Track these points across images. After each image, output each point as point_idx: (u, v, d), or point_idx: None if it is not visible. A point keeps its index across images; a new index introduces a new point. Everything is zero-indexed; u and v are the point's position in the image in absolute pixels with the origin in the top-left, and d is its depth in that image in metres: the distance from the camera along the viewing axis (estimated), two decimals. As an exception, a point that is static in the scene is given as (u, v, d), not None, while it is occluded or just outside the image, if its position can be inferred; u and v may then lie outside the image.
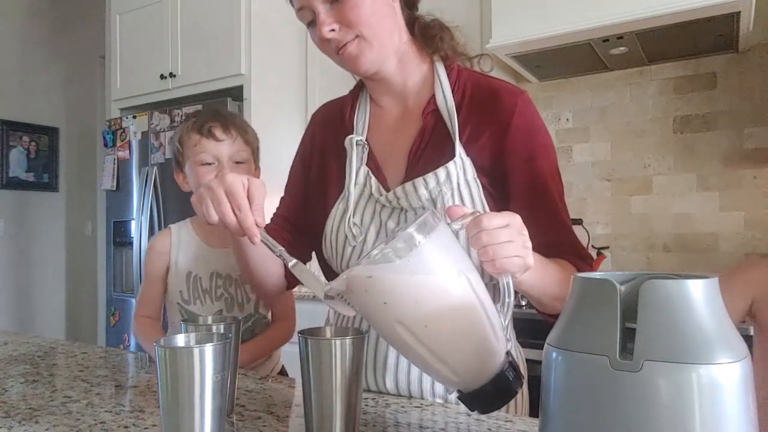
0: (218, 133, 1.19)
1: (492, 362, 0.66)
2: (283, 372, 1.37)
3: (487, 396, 0.67)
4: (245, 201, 0.75)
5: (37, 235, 4.25)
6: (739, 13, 1.80)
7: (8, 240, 4.07)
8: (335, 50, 0.90)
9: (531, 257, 0.69)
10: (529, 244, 0.69)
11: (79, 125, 4.48)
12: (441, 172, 0.89)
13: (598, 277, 0.51)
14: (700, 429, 0.44)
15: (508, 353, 0.69)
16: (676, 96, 2.30)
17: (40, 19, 4.27)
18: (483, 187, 0.91)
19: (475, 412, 0.70)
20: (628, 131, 2.39)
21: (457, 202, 0.89)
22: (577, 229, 2.38)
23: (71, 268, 4.39)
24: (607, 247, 2.33)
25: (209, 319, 0.86)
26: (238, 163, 1.21)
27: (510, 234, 0.66)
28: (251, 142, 1.25)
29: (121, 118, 3.02)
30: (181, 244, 1.27)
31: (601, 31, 1.95)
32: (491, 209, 0.91)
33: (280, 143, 2.76)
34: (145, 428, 0.77)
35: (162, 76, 2.87)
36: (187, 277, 1.24)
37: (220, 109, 1.27)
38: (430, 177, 0.89)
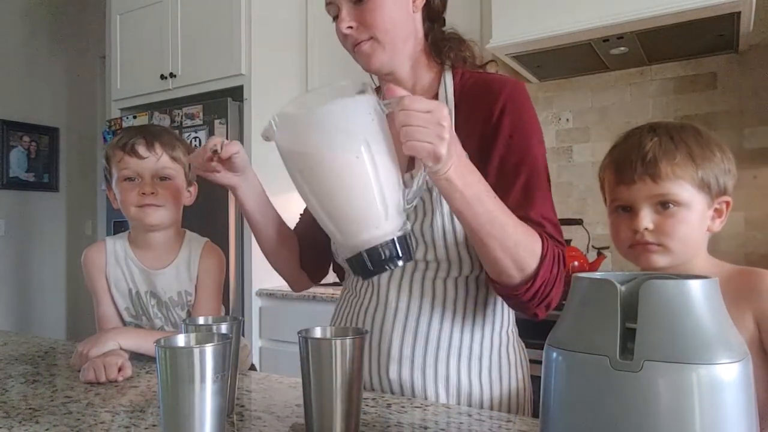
0: (141, 150, 1.17)
1: (372, 234, 0.71)
2: (252, 369, 1.37)
3: (362, 264, 0.73)
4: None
5: (37, 235, 4.25)
6: (739, 13, 1.80)
7: (8, 240, 4.07)
8: (352, 46, 0.96)
9: (444, 148, 0.70)
10: (447, 135, 0.70)
11: (79, 125, 4.48)
12: None
13: (598, 277, 0.51)
14: (700, 429, 0.44)
15: (403, 236, 0.73)
16: (676, 96, 2.30)
17: (41, 20, 4.28)
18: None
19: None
20: (628, 131, 2.39)
21: None
22: (578, 229, 2.38)
23: (71, 268, 4.39)
24: (608, 247, 2.33)
25: (209, 319, 0.86)
26: (163, 178, 1.19)
27: (426, 120, 0.69)
28: (180, 158, 1.22)
29: (121, 118, 3.02)
30: (116, 259, 1.23)
31: (601, 31, 1.95)
32: None
33: (280, 143, 2.76)
34: (145, 428, 0.77)
35: (162, 76, 2.87)
36: (129, 293, 1.22)
37: (148, 126, 1.24)
38: None
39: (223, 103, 2.62)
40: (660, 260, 0.88)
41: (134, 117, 2.93)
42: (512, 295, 0.87)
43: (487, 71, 1.05)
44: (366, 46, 0.94)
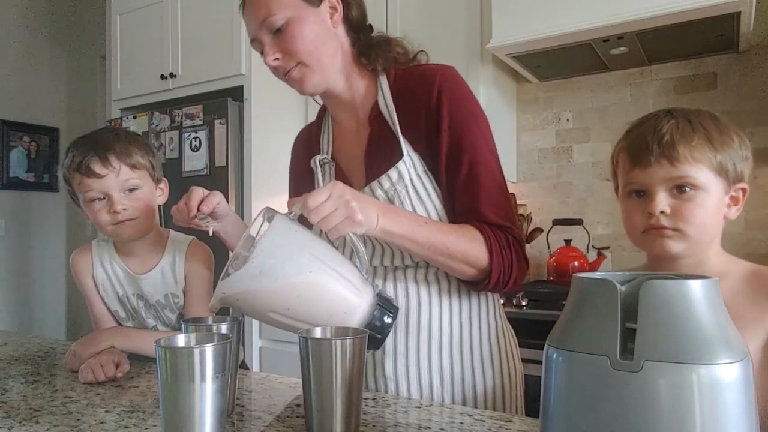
0: (97, 168, 1.09)
1: (360, 314, 0.80)
2: (243, 366, 1.37)
3: (369, 339, 0.77)
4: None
5: (37, 235, 4.25)
6: (739, 13, 1.80)
7: (8, 240, 4.07)
8: (283, 75, 0.99)
9: (358, 214, 0.79)
10: (354, 203, 0.79)
11: (79, 125, 4.47)
12: (392, 172, 0.96)
13: (598, 277, 0.51)
14: (700, 429, 0.44)
15: (378, 295, 0.83)
16: (676, 96, 2.30)
17: (41, 20, 4.27)
18: (435, 177, 0.97)
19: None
20: (628, 131, 2.38)
21: (413, 197, 0.96)
22: (578, 229, 2.38)
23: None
24: (608, 247, 2.33)
25: (209, 320, 0.86)
26: (131, 190, 1.13)
27: (333, 203, 0.78)
28: (140, 164, 1.15)
29: (121, 118, 3.02)
30: (102, 262, 1.22)
31: (601, 31, 1.95)
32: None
33: (280, 143, 2.76)
34: (146, 428, 0.77)
35: (162, 76, 2.87)
36: (117, 296, 1.21)
37: (98, 138, 1.14)
38: (383, 179, 0.96)
39: (223, 103, 2.62)
40: (675, 246, 0.84)
41: (134, 117, 2.93)
42: (479, 288, 0.96)
43: (419, 62, 1.06)
44: (295, 72, 0.96)
